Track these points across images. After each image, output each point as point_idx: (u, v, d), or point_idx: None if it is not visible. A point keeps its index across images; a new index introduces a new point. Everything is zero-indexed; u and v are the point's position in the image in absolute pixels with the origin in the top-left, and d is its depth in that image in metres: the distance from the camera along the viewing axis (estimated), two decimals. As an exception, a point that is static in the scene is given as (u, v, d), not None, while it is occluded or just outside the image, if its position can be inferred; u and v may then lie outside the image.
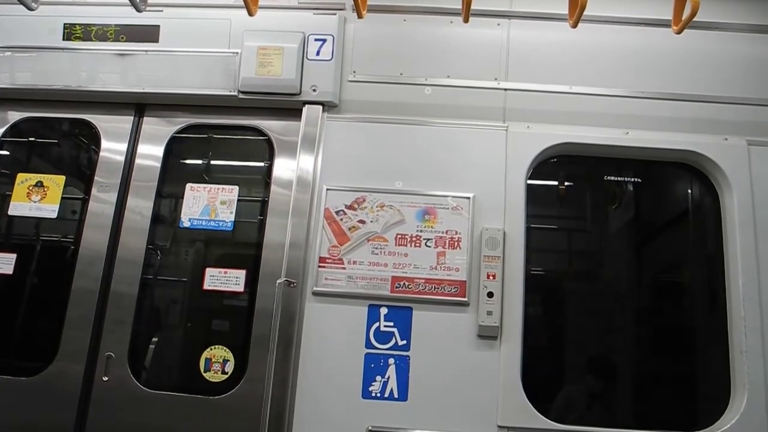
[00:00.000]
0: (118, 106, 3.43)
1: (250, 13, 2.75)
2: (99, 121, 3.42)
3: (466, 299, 2.97)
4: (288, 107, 3.29)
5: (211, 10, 3.41)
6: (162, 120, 3.42)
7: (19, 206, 3.34)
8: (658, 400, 3.13)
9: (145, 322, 3.19)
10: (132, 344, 3.07)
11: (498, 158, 3.14)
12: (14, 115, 3.49)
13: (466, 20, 2.80)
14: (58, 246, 3.39)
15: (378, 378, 2.92)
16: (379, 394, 2.90)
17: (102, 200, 3.27)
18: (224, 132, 3.44)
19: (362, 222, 3.10)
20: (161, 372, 3.18)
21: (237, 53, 3.31)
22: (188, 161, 3.51)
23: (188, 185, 3.27)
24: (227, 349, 3.05)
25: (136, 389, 3.01)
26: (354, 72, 3.34)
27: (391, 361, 2.94)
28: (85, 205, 3.29)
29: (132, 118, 3.42)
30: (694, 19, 2.50)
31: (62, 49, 3.41)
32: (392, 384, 2.91)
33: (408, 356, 2.94)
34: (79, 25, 3.43)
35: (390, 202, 3.12)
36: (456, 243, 3.05)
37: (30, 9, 3.04)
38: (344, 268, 3.05)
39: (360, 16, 2.80)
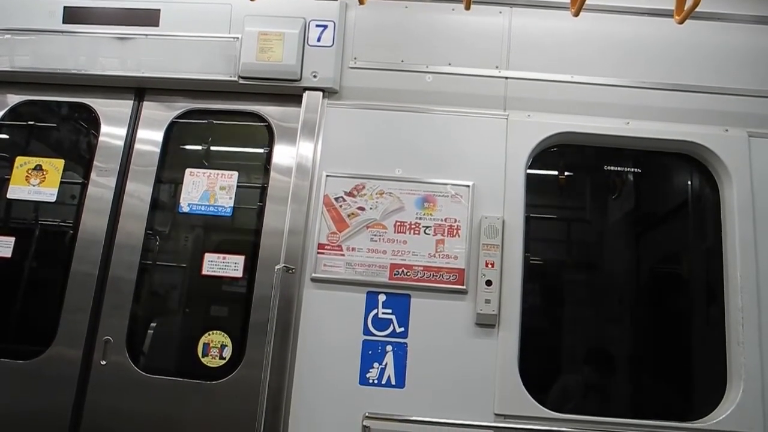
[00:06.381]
0: (118, 90, 3.42)
1: (251, -2, 2.74)
2: (98, 105, 3.42)
3: (464, 287, 2.97)
4: (288, 93, 3.28)
5: (212, -5, 3.40)
6: (162, 105, 3.41)
7: (18, 189, 3.33)
8: (655, 389, 3.14)
9: (143, 306, 3.19)
10: (130, 329, 3.08)
11: (498, 147, 3.14)
12: (13, 99, 3.48)
13: (467, 8, 2.77)
14: (57, 230, 3.39)
15: (375, 365, 2.92)
16: (376, 381, 2.91)
17: (101, 185, 3.27)
18: (224, 117, 3.42)
19: (361, 209, 3.10)
20: (159, 357, 3.18)
21: (237, 38, 3.29)
22: (188, 146, 3.50)
23: (188, 170, 3.27)
24: (225, 335, 3.06)
25: (133, 374, 3.02)
26: (355, 58, 3.32)
27: (389, 348, 2.94)
28: (84, 190, 3.28)
29: (132, 102, 3.42)
30: (696, 10, 2.48)
31: (62, 32, 3.40)
32: (390, 371, 2.92)
33: (406, 343, 2.94)
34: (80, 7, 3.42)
35: (389, 189, 3.12)
36: (455, 231, 3.05)
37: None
38: (343, 255, 3.05)
39: (361, 2, 2.77)
